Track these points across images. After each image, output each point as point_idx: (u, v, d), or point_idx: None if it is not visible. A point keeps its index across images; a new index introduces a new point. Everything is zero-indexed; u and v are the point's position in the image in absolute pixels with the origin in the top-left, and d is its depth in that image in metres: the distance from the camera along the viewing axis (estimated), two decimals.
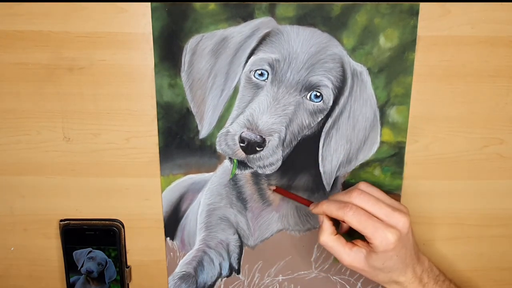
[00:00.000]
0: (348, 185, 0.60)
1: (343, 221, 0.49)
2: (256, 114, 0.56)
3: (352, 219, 0.48)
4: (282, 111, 0.56)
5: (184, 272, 0.63)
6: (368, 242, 0.49)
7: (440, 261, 0.64)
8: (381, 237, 0.47)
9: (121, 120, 0.58)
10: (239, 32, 0.54)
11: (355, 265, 0.50)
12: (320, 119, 0.58)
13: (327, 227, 0.51)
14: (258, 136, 0.56)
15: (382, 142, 0.59)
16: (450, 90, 0.57)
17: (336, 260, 0.64)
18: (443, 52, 0.56)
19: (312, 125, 0.58)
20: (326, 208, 0.51)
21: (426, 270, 0.52)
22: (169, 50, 0.55)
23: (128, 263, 0.64)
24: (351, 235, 0.53)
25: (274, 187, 0.60)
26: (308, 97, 0.56)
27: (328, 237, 0.51)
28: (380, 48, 0.55)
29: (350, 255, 0.50)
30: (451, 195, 0.61)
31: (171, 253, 0.64)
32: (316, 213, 0.53)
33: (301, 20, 0.54)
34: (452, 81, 0.57)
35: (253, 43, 0.55)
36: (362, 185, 0.52)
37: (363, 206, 0.49)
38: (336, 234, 0.51)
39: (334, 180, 0.60)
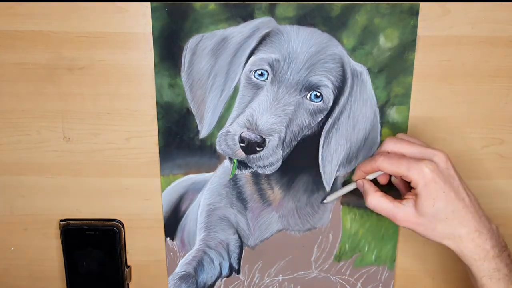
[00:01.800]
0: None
1: (378, 170, 0.49)
2: (256, 114, 0.56)
3: (384, 164, 0.47)
4: (282, 111, 0.56)
5: (184, 272, 0.63)
6: (412, 192, 0.47)
7: (440, 261, 0.64)
8: (417, 171, 0.45)
9: (121, 120, 0.58)
10: (239, 32, 0.54)
11: (410, 219, 0.47)
12: (320, 119, 0.58)
13: (369, 187, 0.50)
14: (258, 136, 0.56)
15: (382, 142, 0.59)
16: (450, 90, 0.57)
17: (336, 260, 0.64)
18: (443, 52, 0.56)
19: (312, 125, 0.58)
20: (361, 166, 0.51)
21: (494, 232, 0.48)
22: (169, 50, 0.55)
23: (128, 263, 0.64)
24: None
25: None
26: (308, 97, 0.56)
27: (375, 196, 0.49)
28: (380, 48, 0.55)
29: (401, 210, 0.47)
30: None
31: (171, 253, 0.64)
32: (357, 179, 0.52)
33: (301, 20, 0.54)
34: (452, 81, 0.57)
35: (253, 43, 0.55)
36: (397, 134, 0.52)
37: (394, 150, 0.48)
38: (381, 193, 0.49)
39: (334, 180, 0.60)
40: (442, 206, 0.46)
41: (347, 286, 0.65)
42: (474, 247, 0.47)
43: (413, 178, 0.46)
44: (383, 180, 0.54)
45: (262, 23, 0.54)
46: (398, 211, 0.47)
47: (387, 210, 0.48)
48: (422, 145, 0.49)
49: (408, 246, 0.63)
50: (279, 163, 0.58)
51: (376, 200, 0.49)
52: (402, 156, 0.47)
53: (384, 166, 0.47)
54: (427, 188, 0.45)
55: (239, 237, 0.63)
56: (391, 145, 0.49)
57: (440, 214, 0.46)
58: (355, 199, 0.61)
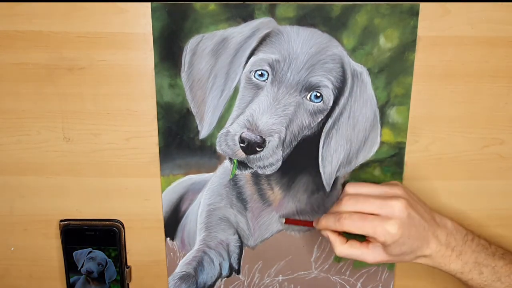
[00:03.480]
0: None
1: (343, 231, 0.50)
2: (256, 114, 0.56)
3: (350, 226, 0.49)
4: (282, 111, 0.56)
5: (184, 272, 0.63)
6: None
7: None
8: (383, 233, 0.48)
9: (121, 120, 0.58)
10: (239, 33, 0.54)
11: (379, 260, 0.51)
12: (320, 119, 0.58)
13: (335, 239, 0.52)
14: (258, 137, 0.56)
15: (382, 143, 0.59)
16: (450, 90, 0.57)
17: (336, 260, 0.64)
18: (443, 52, 0.56)
19: (312, 125, 0.58)
20: (326, 223, 0.52)
21: (451, 233, 0.52)
22: (169, 50, 0.55)
23: (128, 263, 0.64)
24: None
25: (284, 220, 0.61)
26: (308, 97, 0.56)
27: (342, 247, 0.51)
28: (380, 49, 0.55)
29: (370, 253, 0.51)
30: (451, 195, 0.61)
31: (171, 253, 0.64)
32: (321, 229, 0.53)
33: (301, 21, 0.54)
34: (452, 81, 0.57)
35: (253, 44, 0.55)
36: (348, 188, 0.52)
37: (355, 210, 0.50)
38: (347, 242, 0.52)
39: (334, 181, 0.60)
40: (407, 248, 0.50)
41: (347, 286, 0.65)
42: (440, 258, 0.51)
43: (380, 239, 0.48)
44: None
45: (262, 23, 0.54)
46: (367, 255, 0.51)
47: (356, 256, 0.51)
48: (379, 196, 0.50)
49: None
50: (279, 163, 0.58)
51: (344, 251, 0.51)
52: (365, 217, 0.49)
53: (351, 229, 0.49)
54: (395, 243, 0.48)
55: (239, 237, 0.63)
56: (348, 205, 0.50)
57: (407, 251, 0.50)
58: None
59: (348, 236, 0.52)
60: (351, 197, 0.51)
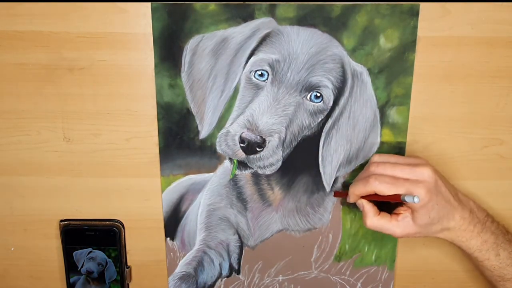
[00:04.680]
0: (348, 185, 0.60)
1: (375, 194, 0.50)
2: (256, 114, 0.56)
3: (380, 188, 0.49)
4: (282, 111, 0.56)
5: (184, 272, 0.63)
6: (407, 206, 0.51)
7: (440, 261, 0.64)
8: (414, 194, 0.48)
9: (121, 120, 0.58)
10: (239, 33, 0.54)
11: (408, 232, 0.51)
12: (320, 119, 0.58)
13: (369, 209, 0.52)
14: (258, 137, 0.56)
15: (382, 143, 0.59)
16: (450, 90, 0.57)
17: (336, 260, 0.64)
18: (443, 52, 0.56)
19: (312, 125, 0.58)
20: (355, 189, 0.52)
21: (473, 210, 0.53)
22: (169, 51, 0.55)
23: (128, 263, 0.64)
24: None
25: (334, 193, 0.61)
26: (308, 97, 0.56)
27: (374, 219, 0.52)
28: (380, 49, 0.55)
29: (400, 226, 0.51)
30: None
31: (171, 253, 0.64)
32: (353, 201, 0.54)
33: (301, 21, 0.54)
34: (452, 81, 0.57)
35: (253, 44, 0.55)
36: (375, 157, 0.53)
37: (384, 174, 0.50)
38: (379, 213, 0.52)
39: (334, 181, 0.60)
40: (435, 214, 0.51)
41: (347, 286, 0.65)
42: (462, 232, 0.52)
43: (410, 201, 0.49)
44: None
45: (262, 23, 0.54)
46: (397, 227, 0.52)
47: (386, 229, 0.52)
48: (408, 164, 0.51)
49: (408, 246, 0.63)
50: (279, 163, 0.58)
51: (376, 222, 0.52)
52: (395, 178, 0.50)
53: (380, 189, 0.49)
54: (424, 207, 0.49)
55: (239, 237, 0.63)
56: (378, 169, 0.51)
57: (434, 220, 0.51)
58: None
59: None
60: (378, 164, 0.51)
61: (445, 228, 0.52)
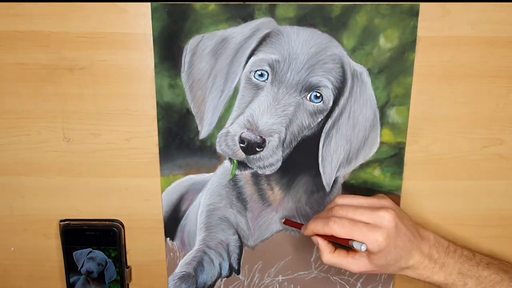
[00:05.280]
0: (348, 185, 0.60)
1: (332, 235, 0.50)
2: (256, 114, 0.56)
3: (339, 230, 0.49)
4: (282, 111, 0.56)
5: (184, 272, 0.64)
6: None
7: None
8: (371, 240, 0.48)
9: (121, 120, 0.58)
10: (239, 33, 0.54)
11: (364, 270, 0.51)
12: (320, 119, 0.58)
13: (324, 247, 0.52)
14: (258, 137, 0.56)
15: (382, 143, 0.59)
16: (450, 90, 0.57)
17: None
18: (443, 52, 0.56)
19: (312, 125, 0.58)
20: (313, 227, 0.52)
21: (433, 245, 0.53)
22: (169, 51, 0.55)
23: (128, 263, 0.64)
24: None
25: (284, 220, 0.61)
26: (308, 97, 0.56)
27: (329, 255, 0.52)
28: (380, 49, 0.55)
29: (355, 263, 0.51)
30: (451, 195, 0.61)
31: (171, 253, 0.64)
32: (307, 235, 0.54)
33: (301, 21, 0.54)
34: (452, 81, 0.57)
35: (253, 44, 0.55)
36: (339, 200, 0.53)
37: (345, 216, 0.50)
38: (335, 250, 0.52)
39: (334, 181, 0.60)
40: (393, 256, 0.50)
41: (347, 286, 0.65)
42: (423, 270, 0.52)
43: (367, 246, 0.49)
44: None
45: (262, 23, 0.54)
46: (353, 265, 0.51)
47: (341, 265, 0.52)
48: (369, 207, 0.51)
49: None
50: (279, 163, 0.58)
51: (331, 259, 0.52)
52: (353, 222, 0.50)
53: (340, 234, 0.49)
54: (380, 252, 0.49)
55: (239, 237, 0.63)
56: (339, 211, 0.51)
57: (391, 262, 0.51)
58: None
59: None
60: (341, 206, 0.52)
61: (404, 267, 0.52)
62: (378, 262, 0.50)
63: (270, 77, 0.56)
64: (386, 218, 0.49)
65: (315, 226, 0.52)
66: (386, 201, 0.52)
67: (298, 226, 0.59)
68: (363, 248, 0.48)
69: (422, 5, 0.53)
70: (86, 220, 0.62)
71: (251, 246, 0.64)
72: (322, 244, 0.52)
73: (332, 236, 0.51)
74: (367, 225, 0.49)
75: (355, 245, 0.49)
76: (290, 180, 0.60)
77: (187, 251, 0.64)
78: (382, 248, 0.49)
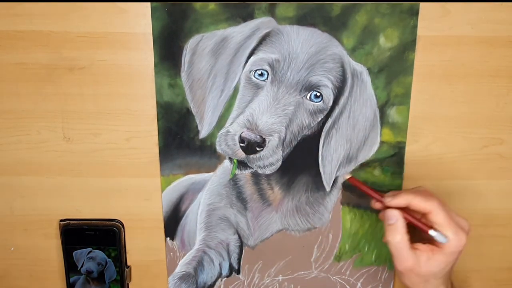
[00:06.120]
0: (348, 185, 0.60)
1: (429, 213, 0.48)
2: (256, 114, 0.56)
3: (440, 212, 0.47)
4: (282, 111, 0.56)
5: (184, 272, 0.63)
6: (430, 246, 0.48)
7: None
8: (459, 237, 0.47)
9: (121, 120, 0.58)
10: (239, 32, 0.54)
11: (414, 269, 0.48)
12: (320, 119, 0.58)
13: (402, 226, 0.48)
14: (258, 136, 0.56)
15: (382, 142, 0.59)
16: (450, 90, 0.57)
17: (336, 260, 0.64)
18: (443, 52, 0.56)
19: (312, 125, 0.58)
20: (413, 198, 0.48)
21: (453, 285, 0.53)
22: (169, 50, 0.55)
23: (128, 263, 0.64)
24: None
25: (349, 176, 0.53)
26: (308, 97, 0.56)
27: (403, 238, 0.48)
28: (380, 48, 0.55)
29: (414, 258, 0.48)
30: (451, 195, 0.61)
31: (171, 253, 0.64)
32: (395, 205, 0.49)
33: (301, 20, 0.54)
34: (452, 81, 0.57)
35: (253, 43, 0.55)
36: (424, 188, 0.51)
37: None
38: (407, 235, 0.49)
39: (334, 180, 0.60)
40: (447, 270, 0.48)
41: (347, 286, 0.65)
42: None
43: (453, 241, 0.47)
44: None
45: (262, 23, 0.54)
46: (411, 258, 0.48)
47: (403, 254, 0.48)
48: (453, 212, 0.50)
49: None
50: (279, 163, 0.58)
51: (402, 242, 0.48)
52: (451, 214, 0.48)
53: (439, 213, 0.47)
54: (451, 254, 0.47)
55: (239, 237, 0.63)
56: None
57: (439, 274, 0.48)
58: (355, 199, 0.61)
59: None
60: (438, 198, 0.50)
61: None
62: (432, 267, 0.48)
63: (270, 76, 0.56)
64: (467, 227, 0.49)
65: (415, 199, 0.48)
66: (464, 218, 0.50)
67: (370, 191, 0.52)
68: (445, 240, 0.47)
69: (422, 4, 0.53)
70: (86, 220, 0.62)
71: (251, 246, 0.63)
72: (401, 222, 0.48)
73: (415, 218, 0.49)
74: (459, 225, 0.48)
75: (438, 236, 0.47)
76: (290, 179, 0.60)
77: (187, 251, 0.64)
78: (457, 250, 0.47)
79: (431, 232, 0.48)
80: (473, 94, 0.57)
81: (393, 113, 0.58)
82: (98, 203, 0.62)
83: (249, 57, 0.55)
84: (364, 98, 0.57)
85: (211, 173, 0.60)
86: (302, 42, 0.54)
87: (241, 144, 0.56)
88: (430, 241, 0.49)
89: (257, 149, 0.56)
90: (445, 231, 0.47)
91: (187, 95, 0.57)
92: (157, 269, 0.64)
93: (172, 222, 0.62)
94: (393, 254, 0.49)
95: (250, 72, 0.56)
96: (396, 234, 0.48)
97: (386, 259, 0.64)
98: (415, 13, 0.54)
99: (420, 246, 0.49)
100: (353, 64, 0.55)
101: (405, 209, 0.49)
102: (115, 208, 0.62)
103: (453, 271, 0.51)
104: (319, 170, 0.59)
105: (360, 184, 0.53)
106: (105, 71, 0.56)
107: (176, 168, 0.60)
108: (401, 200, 0.49)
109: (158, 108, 0.57)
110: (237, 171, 0.59)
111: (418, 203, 0.48)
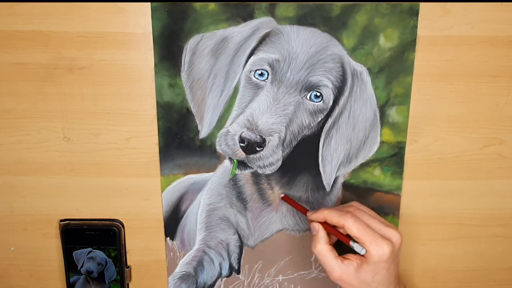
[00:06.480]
0: (348, 185, 0.60)
1: (336, 231, 0.51)
2: (256, 114, 0.56)
3: (353, 226, 0.49)
4: (282, 111, 0.56)
5: (184, 272, 0.63)
6: (358, 256, 0.50)
7: (440, 261, 0.64)
8: (378, 247, 0.48)
9: (121, 120, 0.58)
10: (239, 32, 0.54)
11: (345, 279, 0.50)
12: (320, 119, 0.58)
13: (323, 236, 0.52)
14: (258, 136, 0.56)
15: (382, 142, 0.59)
16: (450, 90, 0.57)
17: None
18: (443, 52, 0.56)
19: (312, 125, 0.58)
20: (328, 214, 0.52)
21: None
22: (169, 50, 0.55)
23: (128, 263, 0.64)
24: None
25: (282, 195, 0.61)
26: (308, 97, 0.56)
27: (324, 246, 0.51)
28: (380, 48, 0.55)
29: (341, 268, 0.50)
30: (451, 195, 0.61)
31: (171, 253, 0.64)
32: (314, 219, 0.53)
33: (301, 20, 0.54)
34: (452, 81, 0.57)
35: (253, 43, 0.55)
36: (356, 203, 0.54)
37: (360, 218, 0.50)
38: (331, 245, 0.52)
39: (334, 180, 0.60)
40: (379, 278, 0.50)
41: None
42: None
43: (372, 251, 0.48)
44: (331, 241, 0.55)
45: (262, 23, 0.54)
46: (339, 268, 0.50)
47: (327, 262, 0.51)
48: (382, 221, 0.51)
49: (408, 246, 0.63)
50: (279, 163, 0.58)
51: (323, 251, 0.51)
52: (368, 226, 0.50)
53: (351, 227, 0.49)
54: (377, 264, 0.49)
55: (239, 237, 0.63)
56: (356, 212, 0.51)
57: (373, 283, 0.50)
58: (355, 199, 0.61)
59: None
60: (358, 209, 0.52)
61: None
62: (364, 276, 0.49)
63: (270, 76, 0.56)
64: (395, 236, 0.50)
65: (329, 214, 0.51)
66: (395, 227, 0.51)
67: (298, 206, 0.58)
68: (363, 251, 0.49)
69: (422, 4, 0.53)
70: (86, 220, 0.62)
71: (251, 246, 0.63)
72: (322, 233, 0.52)
73: (335, 231, 0.51)
74: (379, 234, 0.49)
75: (356, 246, 0.49)
76: (290, 179, 0.60)
77: (187, 251, 0.64)
78: (381, 259, 0.48)
79: (351, 244, 0.50)
80: (473, 94, 0.57)
81: (393, 113, 0.58)
82: (98, 203, 0.62)
83: (249, 57, 0.55)
84: (364, 98, 0.57)
85: (211, 173, 0.60)
86: (302, 42, 0.54)
87: (241, 144, 0.56)
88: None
89: (257, 149, 0.56)
90: (362, 242, 0.49)
91: (187, 95, 0.57)
92: (157, 269, 0.64)
93: (172, 222, 0.62)
94: (321, 263, 0.52)
95: (250, 72, 0.56)
96: (317, 243, 0.52)
97: None
98: (415, 13, 0.54)
99: (350, 256, 0.51)
100: (353, 64, 0.55)
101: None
102: (115, 208, 0.62)
103: (399, 277, 0.52)
104: (319, 170, 0.59)
105: (291, 201, 0.59)
106: (105, 71, 0.56)
107: (176, 168, 0.60)
108: (319, 215, 0.53)
109: (158, 108, 0.57)
110: (237, 171, 0.59)
111: (331, 218, 0.51)
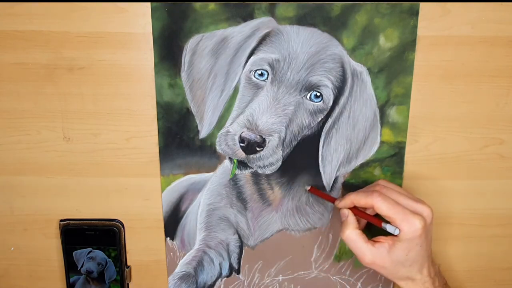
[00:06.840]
0: (348, 185, 0.60)
1: (365, 213, 0.50)
2: (256, 114, 0.56)
3: (382, 205, 0.48)
4: (282, 111, 0.56)
5: (184, 272, 0.63)
6: (390, 236, 0.49)
7: (441, 261, 0.64)
8: (409, 223, 0.47)
9: (121, 120, 0.58)
10: (239, 32, 0.54)
11: (377, 262, 0.49)
12: (320, 119, 0.58)
13: (352, 221, 0.51)
14: (258, 136, 0.56)
15: (382, 142, 0.59)
16: (450, 90, 0.57)
17: (336, 260, 0.64)
18: (443, 52, 0.56)
19: (312, 125, 0.58)
20: (355, 197, 0.51)
21: (437, 274, 0.53)
22: (169, 50, 0.55)
23: (128, 263, 0.64)
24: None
25: (309, 187, 0.60)
26: (308, 97, 0.56)
27: (353, 232, 0.50)
28: (380, 48, 0.55)
29: (373, 251, 0.49)
30: (451, 195, 0.61)
31: (171, 253, 0.64)
32: (343, 206, 0.53)
33: (301, 20, 0.54)
34: (452, 81, 0.57)
35: (253, 43, 0.55)
36: (382, 181, 0.53)
37: (387, 192, 0.50)
38: (360, 231, 0.51)
39: (334, 180, 0.60)
40: (413, 256, 0.49)
41: (347, 286, 0.65)
42: (428, 286, 0.51)
43: (404, 228, 0.48)
44: (361, 225, 0.55)
45: (262, 23, 0.54)
46: (370, 252, 0.50)
47: (358, 248, 0.50)
48: (411, 197, 0.51)
49: None
50: (279, 163, 0.58)
51: (353, 236, 0.50)
52: (397, 203, 0.49)
53: (380, 206, 0.49)
54: (410, 241, 0.48)
55: (239, 237, 0.63)
56: (384, 190, 0.51)
57: (407, 262, 0.49)
58: None
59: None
60: (385, 187, 0.51)
61: (410, 278, 0.51)
62: (397, 256, 0.49)
63: (270, 76, 0.56)
64: (426, 211, 0.49)
65: (357, 197, 0.51)
66: (424, 202, 0.51)
67: (327, 196, 0.58)
68: (397, 231, 0.47)
69: (422, 4, 0.53)
70: (86, 220, 0.62)
71: (251, 246, 0.63)
72: (351, 218, 0.51)
73: (365, 214, 0.50)
74: (408, 209, 0.48)
75: (389, 227, 0.48)
76: (290, 179, 0.60)
77: (187, 251, 0.64)
78: (414, 236, 0.47)
79: (383, 225, 0.49)
80: (473, 94, 0.57)
81: (393, 113, 0.58)
82: (98, 203, 0.62)
83: (249, 57, 0.55)
84: (364, 98, 0.57)
85: (211, 173, 0.60)
86: (302, 42, 0.54)
87: (241, 144, 0.56)
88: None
89: (257, 149, 0.56)
90: (392, 221, 0.48)
91: (187, 95, 0.57)
92: (157, 269, 0.64)
93: (172, 222, 0.62)
94: (352, 250, 0.51)
95: (250, 72, 0.56)
96: (346, 229, 0.51)
97: None
98: (415, 13, 0.54)
99: (380, 238, 0.50)
100: (353, 64, 0.55)
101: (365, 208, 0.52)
102: (115, 208, 0.62)
103: (432, 256, 0.52)
104: (319, 170, 0.59)
105: (319, 192, 0.59)
106: (105, 71, 0.56)
107: (176, 168, 0.60)
108: (347, 200, 0.52)
109: (158, 108, 0.57)
110: (237, 171, 0.59)
111: (359, 200, 0.51)
